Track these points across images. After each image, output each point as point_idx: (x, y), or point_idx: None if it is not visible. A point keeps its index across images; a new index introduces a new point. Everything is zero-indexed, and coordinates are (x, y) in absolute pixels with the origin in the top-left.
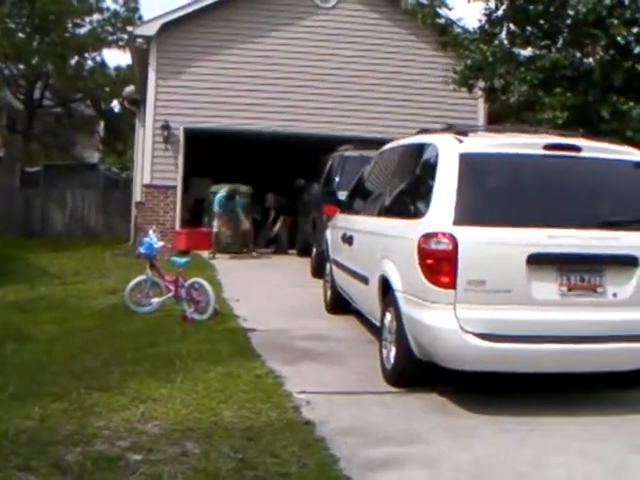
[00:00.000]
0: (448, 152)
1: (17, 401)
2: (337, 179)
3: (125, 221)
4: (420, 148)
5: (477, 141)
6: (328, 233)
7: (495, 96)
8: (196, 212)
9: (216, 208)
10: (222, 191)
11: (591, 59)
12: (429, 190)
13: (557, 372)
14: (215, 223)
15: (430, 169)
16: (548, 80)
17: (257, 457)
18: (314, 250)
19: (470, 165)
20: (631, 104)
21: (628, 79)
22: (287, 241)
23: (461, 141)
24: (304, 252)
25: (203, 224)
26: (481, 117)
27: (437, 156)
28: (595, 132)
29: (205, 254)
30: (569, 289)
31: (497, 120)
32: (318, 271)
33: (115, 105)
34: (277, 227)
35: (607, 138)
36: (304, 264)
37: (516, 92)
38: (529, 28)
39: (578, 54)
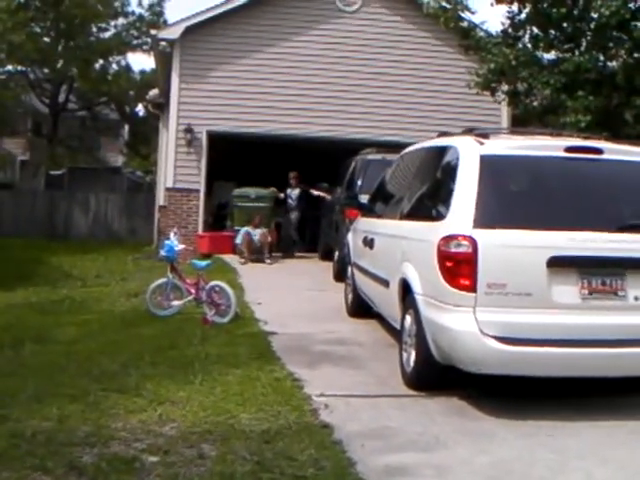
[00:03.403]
0: (469, 154)
1: (35, 402)
2: (359, 182)
3: (148, 224)
4: (441, 151)
5: (498, 143)
6: (349, 236)
7: (518, 100)
8: (219, 216)
9: (239, 240)
10: (242, 230)
11: (615, 62)
12: (449, 192)
13: (578, 376)
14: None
15: (451, 171)
16: (571, 84)
17: (273, 460)
18: (336, 254)
19: (491, 167)
20: None
21: None
22: (299, 242)
23: (482, 143)
24: (326, 256)
25: (226, 228)
26: (504, 121)
27: (458, 158)
28: (619, 135)
29: (227, 258)
30: (590, 292)
31: (520, 124)
32: (340, 275)
33: (140, 109)
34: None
35: (630, 141)
36: (326, 268)
37: (539, 96)
38: (552, 31)
39: (602, 57)
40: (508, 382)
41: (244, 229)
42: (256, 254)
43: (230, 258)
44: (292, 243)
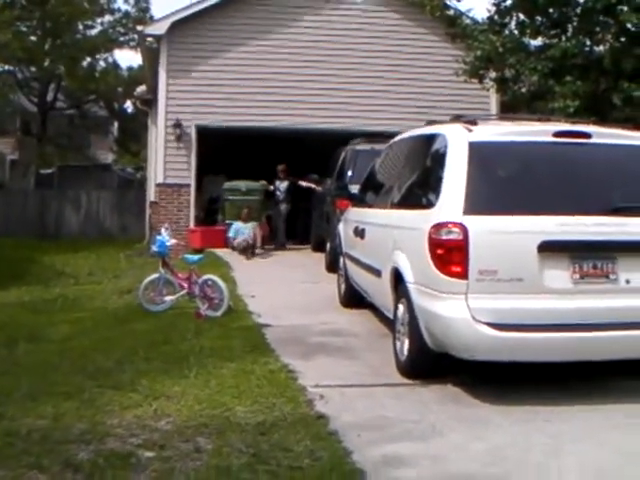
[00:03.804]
0: (457, 141)
1: (30, 401)
2: (349, 173)
3: (140, 221)
4: (429, 139)
5: (486, 130)
6: (341, 227)
7: (506, 86)
8: (210, 210)
9: (232, 234)
10: (234, 224)
11: (601, 47)
12: (439, 180)
13: (571, 361)
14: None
15: (440, 159)
16: (559, 69)
17: (269, 451)
18: (328, 245)
19: (479, 154)
20: None
21: (639, 65)
22: (285, 234)
23: (470, 130)
24: (318, 247)
25: (218, 222)
26: (493, 108)
27: (446, 146)
28: (608, 119)
29: (219, 252)
30: (581, 276)
31: (509, 111)
32: (333, 266)
33: (128, 105)
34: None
35: (619, 124)
36: (318, 259)
37: (527, 82)
38: (538, 17)
39: (588, 42)
40: (502, 368)
41: (235, 223)
42: (249, 249)
43: (222, 252)
44: (278, 233)
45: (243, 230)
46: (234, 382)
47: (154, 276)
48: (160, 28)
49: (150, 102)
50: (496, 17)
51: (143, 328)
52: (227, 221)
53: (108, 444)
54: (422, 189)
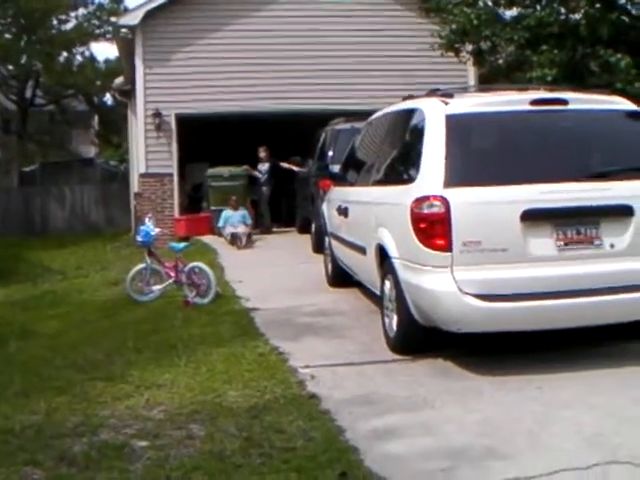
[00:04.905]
0: (434, 115)
1: (22, 397)
2: (330, 153)
3: (126, 213)
4: (407, 114)
5: (463, 102)
6: (324, 207)
7: (483, 58)
8: (195, 198)
9: (221, 223)
10: (224, 212)
11: (577, 14)
12: (418, 154)
13: (559, 328)
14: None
15: (418, 133)
16: (535, 38)
17: (262, 434)
18: (313, 226)
19: (457, 126)
20: (619, 56)
21: (615, 31)
22: (269, 217)
23: (447, 103)
24: (304, 229)
25: (202, 209)
26: (471, 81)
27: (424, 120)
28: (586, 86)
29: (206, 239)
30: (566, 243)
31: (488, 83)
32: (318, 246)
33: (108, 98)
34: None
35: (594, 90)
36: (305, 241)
37: (504, 53)
38: None
39: (563, 10)
40: (493, 339)
41: (225, 211)
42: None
43: (209, 239)
44: (262, 217)
45: (233, 218)
46: (224, 367)
47: (140, 266)
48: (134, 18)
49: (129, 93)
50: None
51: (132, 319)
52: (212, 207)
53: (102, 435)
54: (402, 164)
